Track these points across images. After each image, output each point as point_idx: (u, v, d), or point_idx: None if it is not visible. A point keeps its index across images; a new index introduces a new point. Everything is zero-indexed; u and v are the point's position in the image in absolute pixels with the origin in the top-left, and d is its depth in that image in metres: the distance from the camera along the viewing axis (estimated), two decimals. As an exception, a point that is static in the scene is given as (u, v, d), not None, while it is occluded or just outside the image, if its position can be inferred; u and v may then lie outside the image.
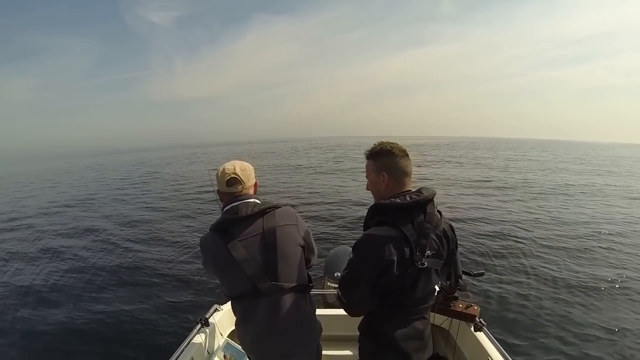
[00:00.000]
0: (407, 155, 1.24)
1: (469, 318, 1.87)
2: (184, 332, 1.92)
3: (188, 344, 1.82)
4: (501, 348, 1.71)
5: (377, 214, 1.19)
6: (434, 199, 1.22)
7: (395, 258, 1.09)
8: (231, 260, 1.20)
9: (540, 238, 6.80)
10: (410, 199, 1.15)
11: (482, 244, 6.31)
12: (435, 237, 1.19)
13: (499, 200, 10.62)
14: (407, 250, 1.11)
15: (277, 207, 1.30)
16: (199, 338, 1.89)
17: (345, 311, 1.25)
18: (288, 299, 1.25)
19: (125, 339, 3.58)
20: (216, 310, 2.15)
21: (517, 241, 6.57)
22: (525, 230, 7.43)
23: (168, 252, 6.31)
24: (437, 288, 1.92)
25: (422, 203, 1.16)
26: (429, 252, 1.15)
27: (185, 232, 7.67)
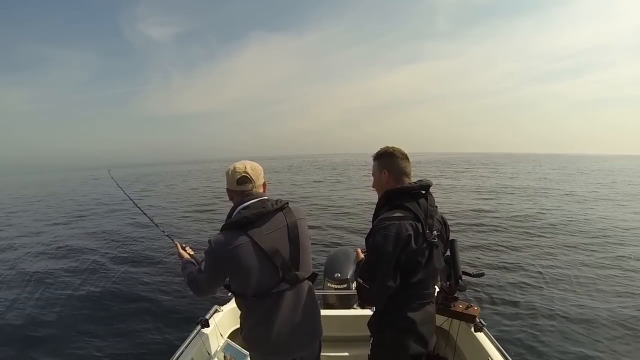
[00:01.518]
0: (406, 158, 1.40)
1: (469, 318, 1.87)
2: (184, 333, 1.92)
3: (188, 344, 1.81)
4: (501, 348, 1.71)
5: (388, 202, 1.33)
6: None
7: (411, 233, 1.21)
8: (261, 254, 1.22)
9: (542, 239, 6.82)
10: (415, 187, 1.33)
11: (481, 245, 6.32)
12: (437, 220, 1.35)
13: (499, 202, 10.65)
14: (419, 226, 1.24)
15: (288, 202, 1.37)
16: (199, 339, 1.88)
17: (366, 300, 1.33)
18: (305, 288, 1.34)
19: (125, 339, 3.57)
20: (216, 311, 2.14)
21: (517, 242, 6.58)
22: (526, 231, 7.45)
23: (166, 255, 6.31)
24: (436, 288, 1.92)
25: (424, 188, 1.35)
26: (435, 232, 1.30)
27: (183, 234, 7.69)
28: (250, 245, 1.21)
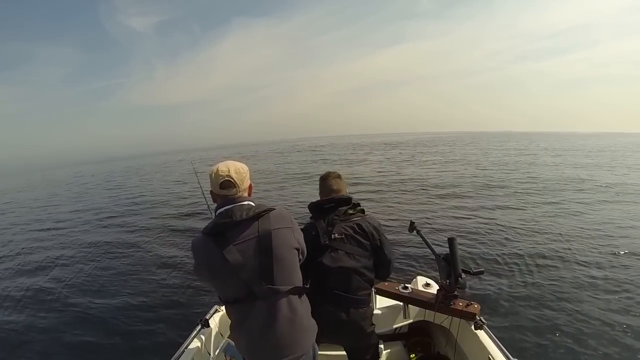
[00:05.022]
0: (337, 177, 1.83)
1: (469, 316, 1.88)
2: (184, 333, 1.92)
3: (188, 345, 1.81)
4: (502, 346, 1.72)
5: (311, 211, 1.78)
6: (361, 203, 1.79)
7: (311, 239, 1.55)
8: (226, 265, 1.18)
9: (541, 236, 6.82)
10: (322, 202, 1.75)
11: (481, 243, 6.33)
12: (345, 227, 1.64)
13: (496, 199, 10.67)
14: (314, 234, 1.63)
15: (271, 209, 1.28)
16: (199, 339, 1.88)
17: None
18: (284, 302, 1.23)
19: (124, 340, 3.56)
20: (216, 311, 2.14)
21: (517, 239, 6.59)
22: (526, 229, 7.46)
23: (166, 253, 6.27)
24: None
25: (334, 202, 1.71)
26: (336, 235, 1.62)
27: (183, 232, 7.62)
28: (217, 255, 1.18)
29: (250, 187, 1.35)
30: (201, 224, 8.35)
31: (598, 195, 10.44)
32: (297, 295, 1.29)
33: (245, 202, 1.27)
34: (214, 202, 1.34)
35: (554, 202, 9.96)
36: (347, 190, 1.87)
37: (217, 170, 1.28)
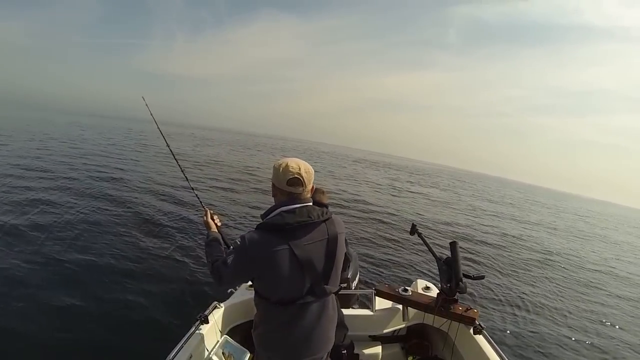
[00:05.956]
0: (322, 193, 2.37)
1: (468, 321, 1.88)
2: (183, 329, 1.91)
3: (187, 341, 1.81)
4: (500, 351, 1.71)
5: None
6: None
7: None
8: (294, 264, 1.17)
9: (539, 245, 6.81)
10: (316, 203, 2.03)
11: (482, 249, 6.32)
12: None
13: (497, 208, 10.64)
14: None
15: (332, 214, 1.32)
16: (198, 335, 1.87)
17: None
18: (330, 302, 1.31)
19: (122, 336, 3.52)
20: (215, 307, 2.14)
21: (516, 247, 6.58)
22: (525, 238, 7.45)
23: (165, 246, 5.86)
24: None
25: (320, 206, 2.08)
26: None
27: (183, 224, 7.18)
28: (287, 253, 1.16)
29: (312, 188, 1.33)
30: (187, 211, 7.96)
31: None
32: (336, 295, 1.37)
33: (311, 204, 1.28)
34: (273, 196, 1.31)
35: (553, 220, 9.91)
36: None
37: (287, 165, 1.25)
